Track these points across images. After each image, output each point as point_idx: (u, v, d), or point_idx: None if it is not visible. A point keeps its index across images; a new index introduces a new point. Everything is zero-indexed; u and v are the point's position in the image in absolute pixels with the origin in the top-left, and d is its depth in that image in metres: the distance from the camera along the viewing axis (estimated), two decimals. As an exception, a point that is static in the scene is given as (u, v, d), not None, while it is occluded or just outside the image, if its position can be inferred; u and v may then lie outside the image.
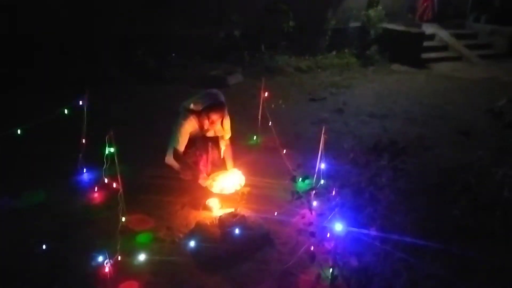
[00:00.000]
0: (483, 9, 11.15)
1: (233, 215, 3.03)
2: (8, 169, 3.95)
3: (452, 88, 7.50)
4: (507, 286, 2.83)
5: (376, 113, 5.94)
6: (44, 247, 2.83)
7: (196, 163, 3.65)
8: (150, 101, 6.26)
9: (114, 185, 3.03)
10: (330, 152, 4.45)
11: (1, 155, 4.09)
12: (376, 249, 2.61)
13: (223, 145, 3.78)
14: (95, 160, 3.82)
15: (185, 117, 3.44)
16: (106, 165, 2.99)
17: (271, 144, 4.54)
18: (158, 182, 3.76)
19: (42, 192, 3.54)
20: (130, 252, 2.78)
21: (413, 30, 9.62)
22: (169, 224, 3.17)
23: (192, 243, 2.83)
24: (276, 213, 3.29)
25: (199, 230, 2.99)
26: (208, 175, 3.66)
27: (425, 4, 10.87)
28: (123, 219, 2.97)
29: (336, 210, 2.36)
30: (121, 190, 2.98)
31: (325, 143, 3.61)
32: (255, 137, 4.80)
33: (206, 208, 3.35)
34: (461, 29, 11.11)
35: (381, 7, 9.70)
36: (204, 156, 3.64)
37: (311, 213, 2.54)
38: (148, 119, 5.38)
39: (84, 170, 3.92)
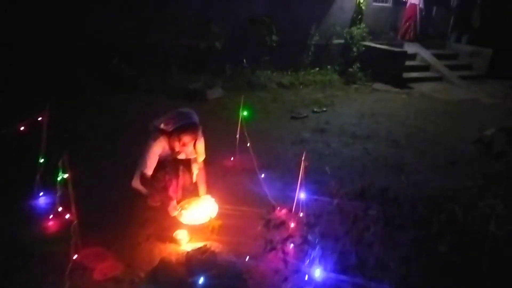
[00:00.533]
0: (464, 29, 11.30)
1: (202, 251, 2.72)
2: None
3: (434, 109, 7.43)
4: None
5: (358, 134, 5.75)
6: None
7: (166, 189, 3.33)
8: (122, 113, 5.90)
9: (68, 215, 2.67)
10: (312, 175, 4.23)
11: None
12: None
13: (196, 169, 3.47)
14: (54, 183, 3.48)
15: (155, 138, 3.13)
16: (59, 192, 2.63)
17: (249, 166, 4.25)
18: (121, 209, 3.41)
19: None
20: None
21: (396, 49, 9.60)
22: (130, 260, 2.82)
23: (153, 285, 2.51)
24: (248, 256, 2.97)
25: (162, 269, 2.66)
26: (179, 201, 3.34)
27: (407, 24, 10.95)
28: (75, 256, 2.61)
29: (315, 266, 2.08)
30: (75, 221, 2.63)
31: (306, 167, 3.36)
32: (232, 158, 4.51)
33: (174, 241, 3.02)
34: (442, 49, 11.21)
35: (364, 25, 9.67)
36: (174, 181, 3.33)
37: (286, 266, 2.24)
38: (117, 135, 5.01)
39: (41, 193, 3.54)
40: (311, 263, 2.18)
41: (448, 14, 11.61)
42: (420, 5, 10.79)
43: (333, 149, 5.15)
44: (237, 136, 4.36)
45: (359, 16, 9.76)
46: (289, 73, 8.89)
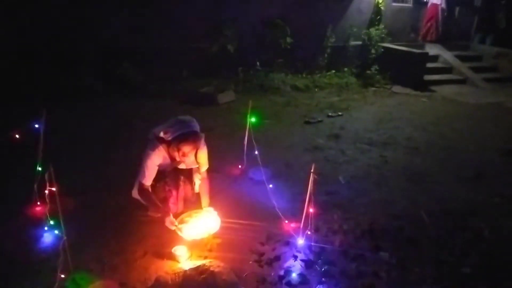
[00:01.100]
0: (489, 30, 10.77)
1: (200, 271, 2.50)
2: None
3: (457, 113, 7.01)
4: None
5: (375, 140, 5.43)
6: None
7: (166, 200, 3.14)
8: (129, 118, 5.75)
9: (56, 232, 2.49)
10: (324, 185, 3.97)
11: None
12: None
13: (198, 179, 3.26)
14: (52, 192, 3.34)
15: (154, 147, 2.94)
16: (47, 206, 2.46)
17: (257, 175, 4.01)
18: (119, 221, 3.22)
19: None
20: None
21: (416, 50, 9.19)
22: (124, 278, 2.62)
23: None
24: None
25: (157, 290, 2.45)
26: (180, 214, 3.14)
27: (428, 24, 10.51)
28: (62, 275, 2.42)
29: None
30: (64, 238, 2.45)
31: (316, 180, 3.10)
32: (240, 166, 4.28)
33: (172, 257, 2.81)
34: (465, 51, 10.71)
35: (382, 26, 9.31)
36: (174, 192, 3.13)
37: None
38: (122, 141, 4.86)
39: (38, 203, 3.40)
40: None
41: (471, 14, 11.09)
42: (442, 5, 10.33)
43: (348, 157, 4.86)
44: (245, 142, 4.14)
45: (378, 17, 9.41)
46: (304, 75, 8.63)
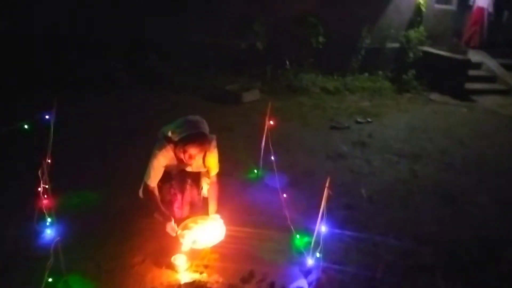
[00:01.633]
0: (540, 38, 9.97)
1: (195, 286, 2.30)
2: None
3: (499, 127, 6.45)
4: None
5: (406, 151, 5.04)
6: None
7: (171, 204, 2.96)
8: (150, 111, 5.65)
9: (48, 232, 2.36)
10: (343, 198, 3.68)
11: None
12: None
13: (206, 184, 3.06)
14: (61, 186, 3.26)
15: (161, 147, 2.76)
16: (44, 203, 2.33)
17: (272, 182, 3.76)
18: (121, 221, 3.08)
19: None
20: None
21: (458, 56, 8.60)
22: (119, 284, 2.46)
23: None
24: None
25: (148, 304, 2.27)
26: (184, 219, 2.96)
27: (473, 29, 9.83)
28: (50, 279, 2.29)
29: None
30: (57, 238, 2.31)
31: (334, 189, 2.82)
32: (256, 171, 4.06)
33: (171, 266, 2.63)
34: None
35: (422, 29, 8.77)
36: (179, 196, 2.94)
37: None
38: (136, 135, 4.74)
39: (45, 196, 3.32)
40: None
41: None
42: (489, 9, 9.62)
43: (373, 168, 4.52)
44: (262, 146, 3.90)
45: (418, 19, 8.87)
46: (335, 77, 8.26)
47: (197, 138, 2.61)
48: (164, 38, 6.93)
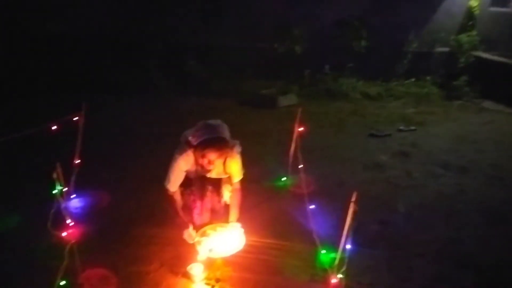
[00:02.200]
0: None
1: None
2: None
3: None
4: None
5: (452, 163, 4.63)
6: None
7: (191, 210, 2.87)
8: (185, 115, 5.65)
9: (64, 233, 2.34)
10: (377, 213, 3.41)
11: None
12: None
13: (228, 191, 2.94)
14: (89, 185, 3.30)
15: (181, 151, 2.68)
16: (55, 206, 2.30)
17: (301, 191, 3.57)
18: (141, 225, 3.04)
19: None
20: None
21: (516, 62, 7.90)
22: (131, 292, 2.41)
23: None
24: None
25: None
26: (203, 226, 2.85)
27: (534, 32, 9.02)
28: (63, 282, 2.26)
29: None
30: (73, 241, 2.29)
31: (368, 202, 2.60)
32: (284, 179, 3.89)
33: (187, 275, 2.53)
34: None
35: (475, 32, 8.15)
36: (199, 203, 2.85)
37: None
38: (168, 138, 4.71)
39: (73, 196, 3.38)
40: None
41: None
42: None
43: (414, 180, 4.19)
44: (291, 153, 3.73)
45: (471, 22, 8.27)
46: (377, 82, 7.88)
47: (216, 143, 2.49)
48: (202, 42, 6.95)
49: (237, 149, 2.77)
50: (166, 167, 2.77)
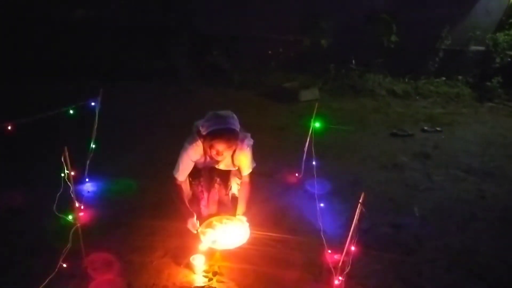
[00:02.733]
0: None
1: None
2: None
3: None
4: None
5: (476, 168, 4.42)
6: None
7: (198, 201, 2.87)
8: (205, 106, 5.53)
9: (70, 217, 2.39)
10: (390, 215, 3.30)
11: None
12: None
13: (236, 183, 2.92)
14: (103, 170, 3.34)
15: (192, 141, 2.67)
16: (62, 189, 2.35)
17: (314, 188, 3.50)
18: (147, 214, 3.07)
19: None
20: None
21: (556, 64, 7.44)
22: (133, 279, 2.43)
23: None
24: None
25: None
26: (209, 217, 2.85)
27: None
28: (64, 265, 2.31)
29: None
30: (78, 224, 2.33)
31: (382, 204, 2.50)
32: (297, 175, 3.83)
33: (189, 266, 2.54)
34: None
35: (514, 31, 7.72)
36: (206, 195, 2.84)
37: None
38: (184, 128, 4.76)
39: (87, 179, 3.45)
40: None
41: None
42: None
43: (433, 184, 4.02)
44: (305, 149, 3.66)
45: (509, 20, 7.83)
46: (406, 80, 7.63)
47: (225, 134, 2.46)
48: (227, 34, 6.92)
49: (248, 141, 2.73)
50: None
